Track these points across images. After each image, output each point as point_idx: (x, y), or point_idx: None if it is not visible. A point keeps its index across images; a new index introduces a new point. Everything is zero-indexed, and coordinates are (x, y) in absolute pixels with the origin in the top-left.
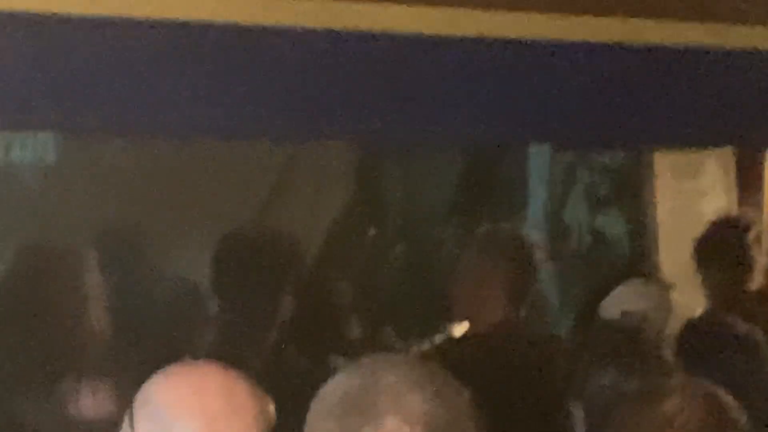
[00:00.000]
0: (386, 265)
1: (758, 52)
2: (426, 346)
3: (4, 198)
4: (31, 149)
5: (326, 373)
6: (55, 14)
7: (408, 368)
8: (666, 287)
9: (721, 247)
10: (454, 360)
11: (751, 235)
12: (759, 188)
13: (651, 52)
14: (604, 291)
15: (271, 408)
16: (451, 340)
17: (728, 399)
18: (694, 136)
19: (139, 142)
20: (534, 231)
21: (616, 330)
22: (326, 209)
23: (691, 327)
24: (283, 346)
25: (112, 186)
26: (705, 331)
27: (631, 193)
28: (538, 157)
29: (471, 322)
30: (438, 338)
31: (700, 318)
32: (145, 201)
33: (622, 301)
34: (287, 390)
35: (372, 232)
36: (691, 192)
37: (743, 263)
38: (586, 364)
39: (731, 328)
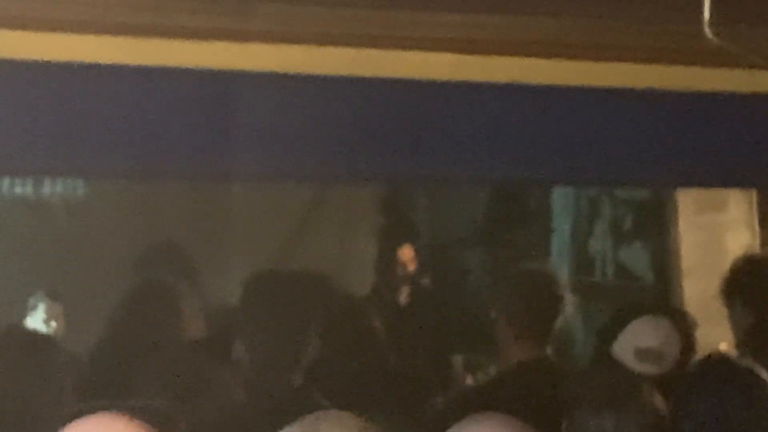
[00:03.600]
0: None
1: None
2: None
3: (36, 231)
4: (61, 185)
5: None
6: (80, 63)
7: (346, 420)
8: (679, 321)
9: (747, 285)
10: (482, 397)
11: None
12: None
13: (677, 97)
14: (619, 327)
15: None
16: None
17: None
18: (717, 177)
19: (167, 183)
20: (557, 263)
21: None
22: (354, 247)
23: (697, 365)
24: (308, 389)
25: (141, 222)
26: (708, 367)
27: (654, 227)
28: (563, 191)
29: (500, 359)
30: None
31: (706, 356)
32: (174, 238)
33: (635, 338)
34: None
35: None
36: (714, 226)
37: (766, 300)
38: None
39: (733, 364)
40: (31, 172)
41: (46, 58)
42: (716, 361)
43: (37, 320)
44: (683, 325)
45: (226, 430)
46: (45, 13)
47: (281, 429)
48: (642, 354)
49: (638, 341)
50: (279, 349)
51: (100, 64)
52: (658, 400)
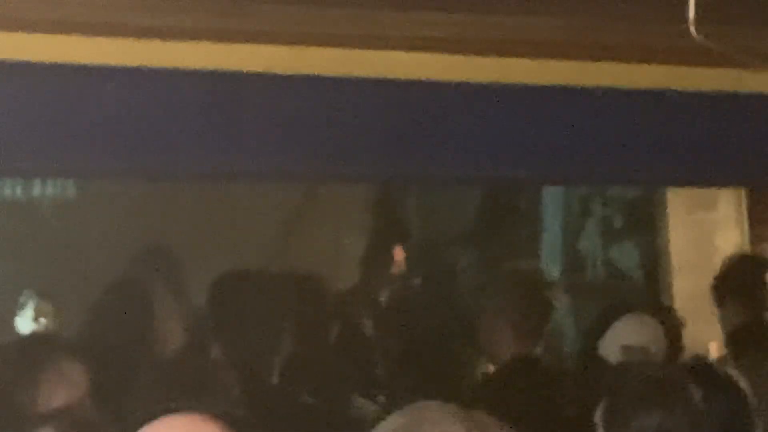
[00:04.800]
0: (404, 300)
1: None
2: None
3: (26, 232)
4: (51, 185)
5: (340, 412)
6: (72, 64)
7: (448, 406)
8: (665, 318)
9: (738, 284)
10: (474, 396)
11: None
12: None
13: (665, 96)
14: (605, 325)
15: None
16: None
17: None
18: (707, 176)
19: (157, 182)
20: (548, 263)
21: (631, 369)
22: (345, 247)
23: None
24: (289, 386)
25: (130, 223)
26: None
27: (644, 226)
28: (553, 190)
29: (490, 358)
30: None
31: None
32: (164, 238)
33: (621, 336)
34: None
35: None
36: (704, 225)
37: (760, 300)
38: (624, 405)
39: (711, 370)
40: (26, 173)
41: (43, 60)
42: (695, 367)
43: (26, 318)
44: (669, 323)
45: None
46: (39, 14)
47: (268, 427)
48: (628, 351)
49: (624, 338)
50: (259, 348)
51: (91, 66)
52: (699, 395)
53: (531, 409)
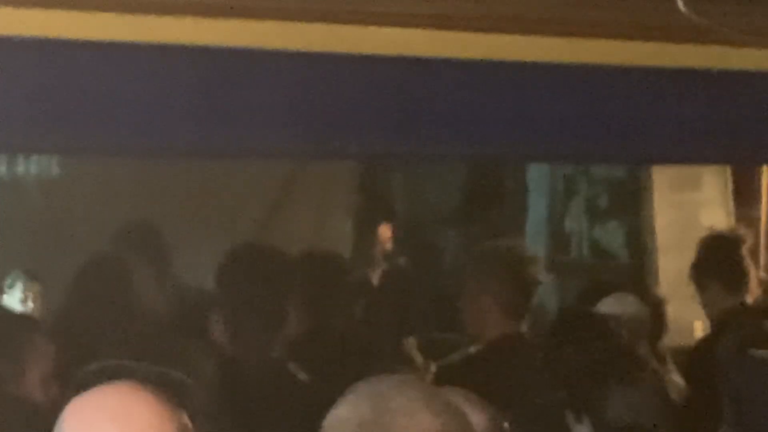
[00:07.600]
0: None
1: (755, 72)
2: (445, 362)
3: (10, 211)
4: (35, 164)
5: (331, 389)
6: (56, 39)
7: (411, 387)
8: (646, 297)
9: (715, 263)
10: (459, 375)
11: (744, 250)
12: (756, 202)
13: (652, 73)
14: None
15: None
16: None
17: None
18: (692, 153)
19: (144, 160)
20: (533, 242)
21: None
22: (331, 225)
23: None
24: (286, 363)
25: (116, 201)
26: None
27: (630, 205)
28: (538, 169)
29: (473, 337)
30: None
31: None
32: (150, 215)
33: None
34: (291, 406)
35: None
36: (689, 204)
37: (738, 277)
38: (594, 380)
39: None
40: (10, 149)
41: (27, 34)
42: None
43: (14, 299)
44: (650, 301)
45: (203, 402)
46: None
47: (261, 401)
48: (611, 320)
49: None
50: (256, 323)
51: (76, 41)
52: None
53: (515, 387)
